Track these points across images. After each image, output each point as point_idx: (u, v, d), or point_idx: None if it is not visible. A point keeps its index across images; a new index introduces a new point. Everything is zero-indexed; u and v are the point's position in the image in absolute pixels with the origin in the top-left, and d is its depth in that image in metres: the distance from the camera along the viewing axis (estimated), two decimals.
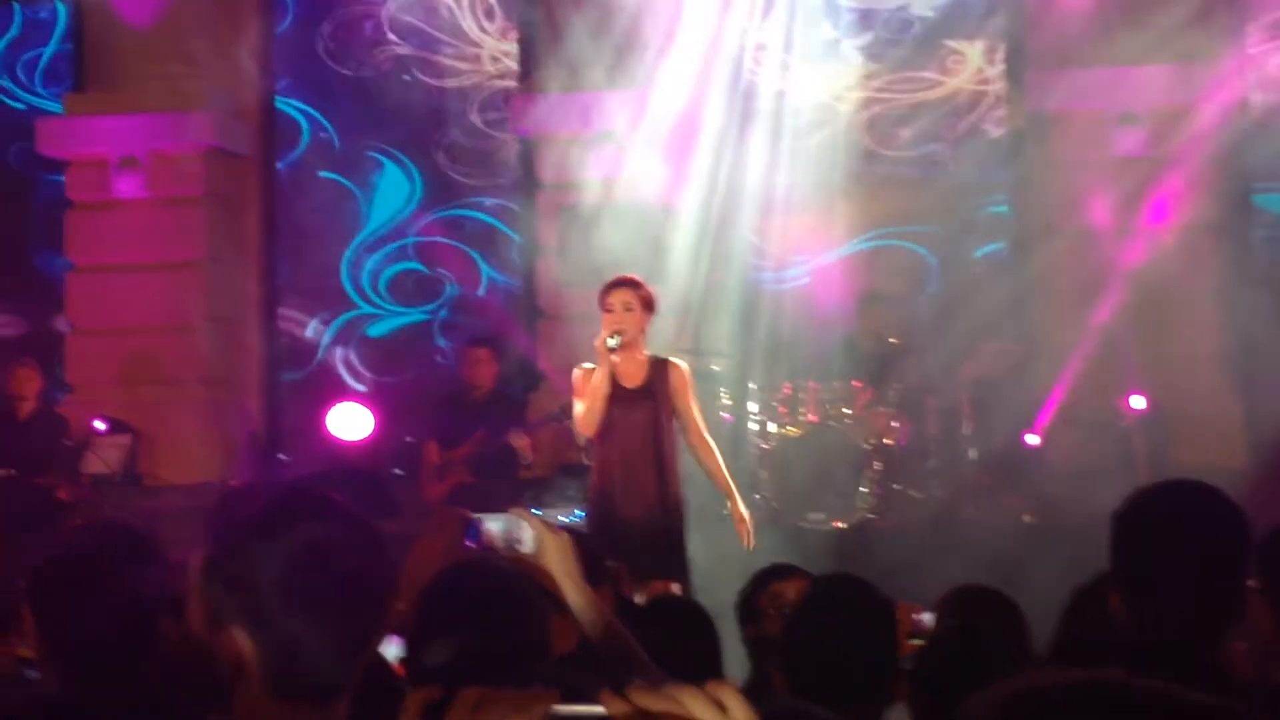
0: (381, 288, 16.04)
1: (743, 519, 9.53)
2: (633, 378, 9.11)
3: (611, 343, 8.87)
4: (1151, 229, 13.78)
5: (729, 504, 9.64)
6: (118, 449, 13.23)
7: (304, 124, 16.39)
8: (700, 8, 14.79)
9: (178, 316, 15.11)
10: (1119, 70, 13.98)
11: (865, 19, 15.47)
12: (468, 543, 3.85)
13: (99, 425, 13.61)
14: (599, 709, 1.75)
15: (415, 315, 15.97)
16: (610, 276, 9.52)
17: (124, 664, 3.45)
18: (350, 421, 13.80)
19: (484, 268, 15.85)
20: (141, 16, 15.24)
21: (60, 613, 3.54)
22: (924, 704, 4.47)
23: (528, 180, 15.38)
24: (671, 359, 9.35)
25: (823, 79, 15.42)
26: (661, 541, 9.10)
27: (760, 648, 5.59)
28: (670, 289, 14.04)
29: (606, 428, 9.07)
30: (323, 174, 16.28)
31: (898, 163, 15.50)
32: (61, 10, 16.57)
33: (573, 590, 3.70)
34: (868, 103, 15.50)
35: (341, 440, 13.72)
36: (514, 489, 12.19)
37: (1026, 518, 12.65)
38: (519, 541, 3.77)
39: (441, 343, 15.71)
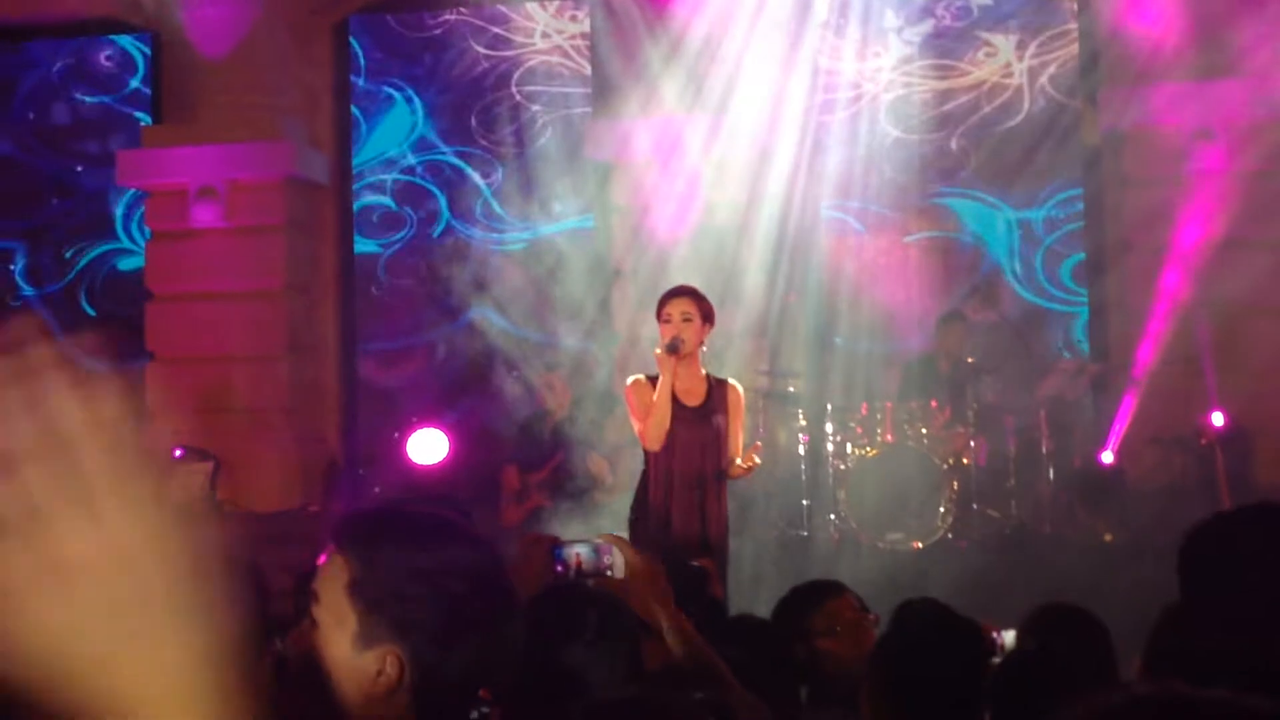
0: None
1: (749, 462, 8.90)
2: (693, 395, 8.78)
3: (673, 347, 8.54)
4: (1229, 245, 13.69)
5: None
6: (199, 476, 13.34)
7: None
8: (772, 32, 14.84)
9: (257, 345, 15.25)
10: (1194, 85, 13.92)
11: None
12: (557, 569, 3.88)
13: (177, 453, 13.72)
14: None
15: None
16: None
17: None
18: (428, 446, 13.89)
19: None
20: (218, 48, 15.39)
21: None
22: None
23: (603, 203, 15.44)
24: (730, 380, 9.04)
25: (892, 83, 15.52)
26: (717, 561, 8.79)
27: (816, 665, 5.55)
28: (746, 311, 14.08)
29: (669, 445, 8.71)
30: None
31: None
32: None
33: (662, 614, 3.72)
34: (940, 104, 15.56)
35: (419, 465, 13.81)
36: (591, 512, 12.22)
37: (1107, 537, 12.59)
38: (608, 567, 3.80)
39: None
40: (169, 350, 15.49)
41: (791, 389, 13.80)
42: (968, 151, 15.62)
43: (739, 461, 8.78)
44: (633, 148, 14.87)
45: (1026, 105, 15.56)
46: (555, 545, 3.92)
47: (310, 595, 2.57)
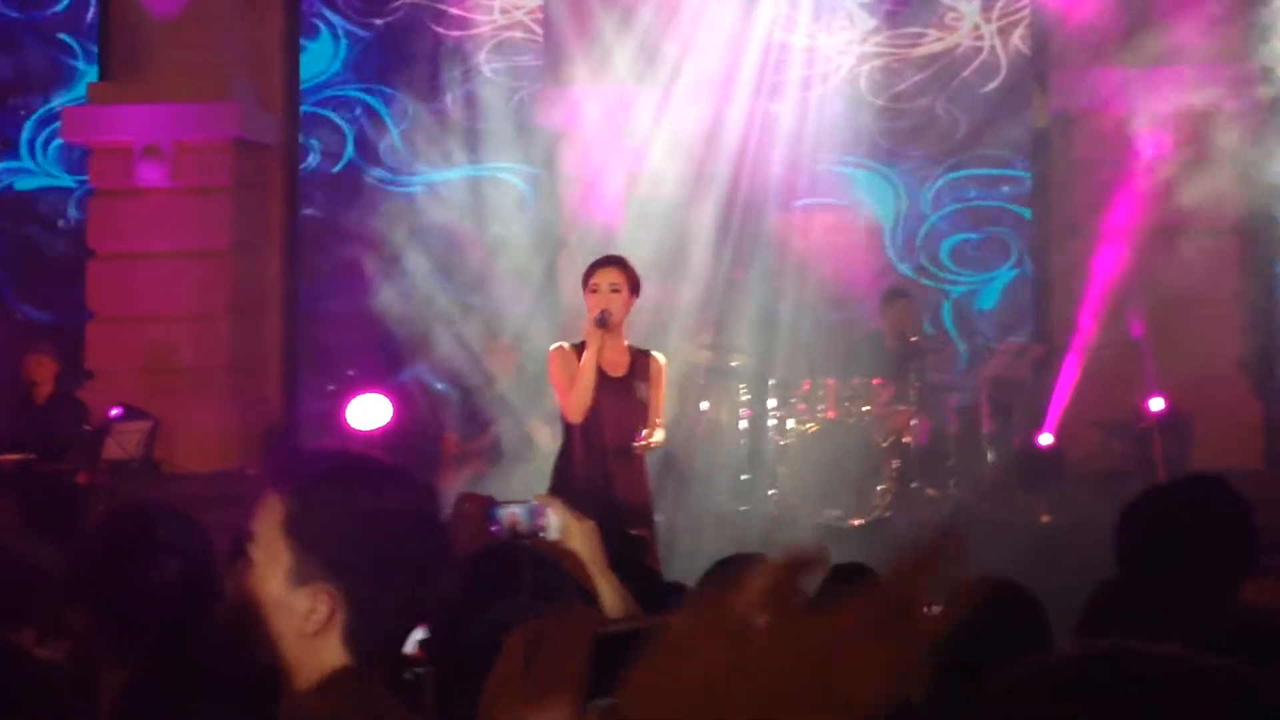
0: None
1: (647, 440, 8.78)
2: (617, 366, 8.69)
3: (602, 320, 8.44)
4: (1170, 231, 13.75)
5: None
6: (137, 435, 13.23)
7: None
8: (726, 4, 14.82)
9: (200, 305, 15.15)
10: (1142, 71, 13.96)
11: None
12: (492, 529, 3.86)
13: (113, 413, 13.61)
14: (643, 622, 1.80)
15: None
16: None
17: (184, 641, 3.46)
18: (369, 411, 13.81)
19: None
20: (167, 6, 15.26)
21: (111, 597, 3.53)
22: (934, 696, 4.45)
23: (550, 172, 15.38)
24: (653, 351, 8.95)
25: (842, 54, 15.54)
26: (642, 531, 8.64)
27: None
28: (691, 284, 14.08)
29: (593, 414, 8.60)
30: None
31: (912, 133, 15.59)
32: None
33: (599, 576, 3.71)
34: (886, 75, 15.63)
35: (360, 430, 13.74)
36: (532, 479, 12.20)
37: (1045, 518, 12.65)
38: (543, 529, 3.79)
39: None
40: (110, 309, 15.37)
41: (734, 364, 13.80)
42: (956, 118, 15.65)
43: (643, 433, 8.69)
44: (582, 116, 14.83)
45: (1004, 67, 15.59)
46: (491, 505, 3.91)
47: (247, 535, 2.59)
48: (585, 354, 8.54)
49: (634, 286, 8.69)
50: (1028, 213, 15.59)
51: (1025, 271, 15.56)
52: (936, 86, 15.62)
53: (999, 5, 15.61)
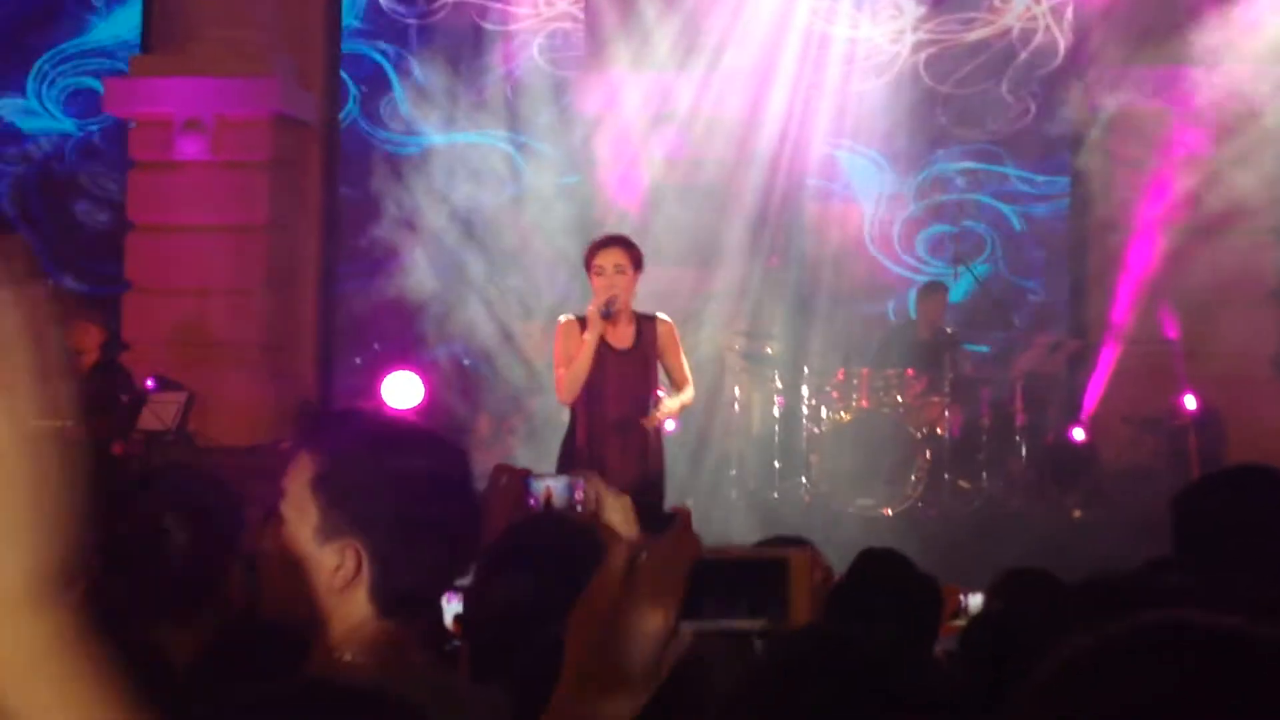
0: None
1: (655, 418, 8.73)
2: (623, 338, 8.57)
3: (607, 312, 8.34)
4: (1207, 230, 13.70)
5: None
6: (173, 406, 13.24)
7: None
8: None
9: (237, 279, 15.19)
10: (1183, 69, 13.91)
11: None
12: (528, 501, 3.87)
13: (149, 384, 13.64)
14: (741, 552, 1.84)
15: None
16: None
17: (201, 605, 3.48)
18: (403, 389, 13.85)
19: None
20: None
21: (143, 557, 3.55)
22: (968, 683, 4.44)
23: (588, 157, 15.38)
24: (659, 315, 8.78)
25: (894, 42, 15.46)
26: (654, 502, 8.49)
27: None
28: (727, 271, 14.08)
29: (599, 389, 8.49)
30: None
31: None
32: None
33: None
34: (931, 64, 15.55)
35: (393, 408, 13.77)
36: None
37: (1076, 513, 12.63)
38: (579, 501, 3.80)
39: None
40: (148, 280, 15.41)
41: (769, 351, 13.80)
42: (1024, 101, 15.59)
43: (653, 410, 8.61)
44: (622, 102, 14.82)
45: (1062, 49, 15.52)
46: (527, 477, 3.92)
47: (278, 491, 2.62)
48: (586, 340, 8.43)
49: (637, 264, 8.55)
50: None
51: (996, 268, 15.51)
52: (994, 71, 15.54)
53: None
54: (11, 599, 1.38)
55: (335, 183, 16.35)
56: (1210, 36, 13.67)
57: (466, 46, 16.35)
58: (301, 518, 2.59)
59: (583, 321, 8.54)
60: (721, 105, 14.64)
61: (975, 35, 15.55)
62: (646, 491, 8.18)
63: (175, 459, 11.99)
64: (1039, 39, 15.47)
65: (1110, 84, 14.36)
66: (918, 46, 15.61)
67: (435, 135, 16.04)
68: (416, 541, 2.57)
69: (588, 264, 8.54)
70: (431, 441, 2.70)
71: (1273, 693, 1.42)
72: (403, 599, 2.60)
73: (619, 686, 1.76)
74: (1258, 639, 1.46)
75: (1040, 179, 15.79)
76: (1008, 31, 15.55)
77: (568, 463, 8.50)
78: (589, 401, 8.56)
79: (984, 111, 15.62)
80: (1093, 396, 13.94)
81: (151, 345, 14.94)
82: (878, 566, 4.53)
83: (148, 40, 16.31)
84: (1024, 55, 15.46)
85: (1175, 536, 3.83)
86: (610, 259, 8.46)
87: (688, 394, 8.81)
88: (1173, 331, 13.52)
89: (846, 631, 2.37)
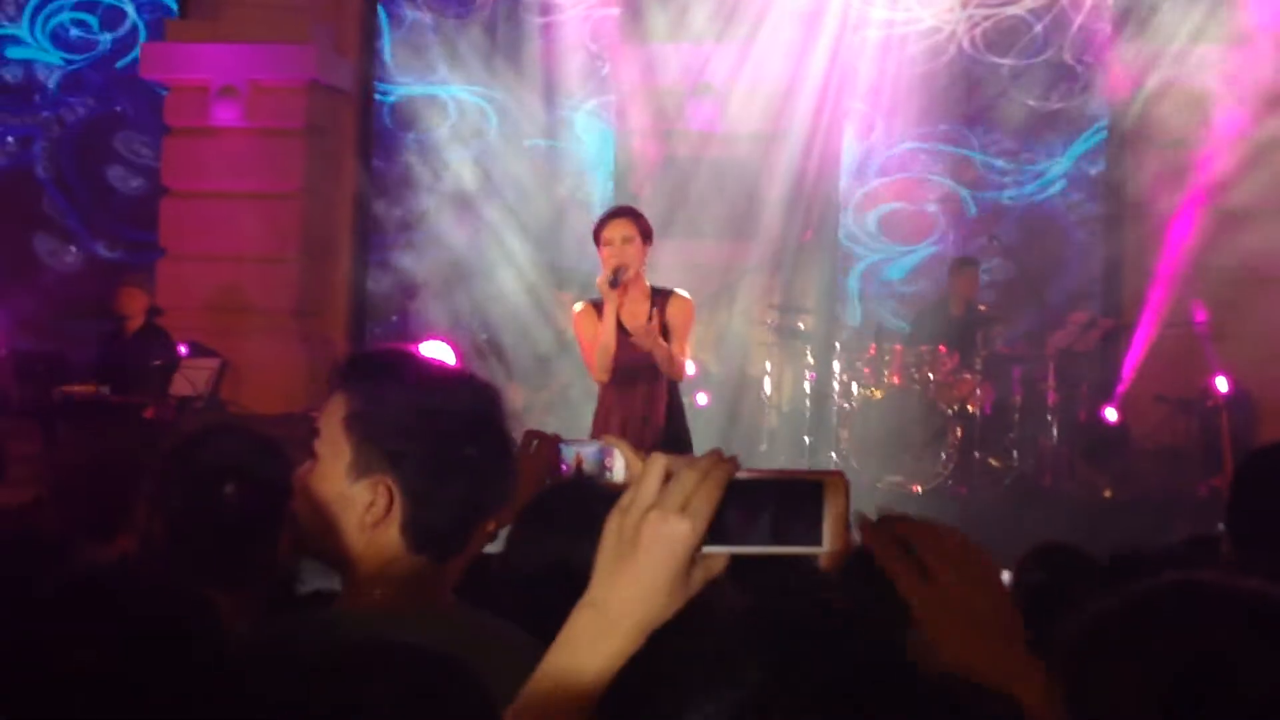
0: None
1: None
2: (638, 315, 8.39)
3: (615, 280, 8.22)
4: (1242, 211, 13.63)
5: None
6: (206, 372, 13.29)
7: None
8: None
9: (270, 247, 15.22)
10: (1220, 49, 13.84)
11: None
12: (560, 467, 3.87)
13: (182, 349, 13.70)
14: (778, 473, 1.88)
15: None
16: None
17: (253, 570, 3.48)
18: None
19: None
20: None
21: (189, 503, 3.55)
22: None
23: (625, 129, 15.37)
24: (676, 290, 8.61)
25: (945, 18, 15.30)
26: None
27: None
28: (761, 245, 14.07)
29: (619, 365, 8.39)
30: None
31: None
32: None
33: None
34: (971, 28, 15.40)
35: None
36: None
37: (1107, 492, 12.60)
38: (609, 469, 3.79)
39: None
40: (182, 246, 15.46)
41: (801, 325, 13.80)
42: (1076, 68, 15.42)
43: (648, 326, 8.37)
44: (658, 73, 14.81)
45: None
46: (558, 443, 3.91)
47: (313, 431, 2.64)
48: (605, 314, 8.36)
49: (646, 235, 8.44)
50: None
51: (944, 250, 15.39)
52: (1058, 38, 15.37)
53: None
54: None
55: (369, 150, 16.36)
56: (1249, 16, 13.61)
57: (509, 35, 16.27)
58: (335, 455, 2.62)
59: (596, 305, 8.48)
60: (758, 78, 14.60)
61: (1021, 9, 15.33)
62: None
63: (226, 420, 12.04)
64: (1082, 17, 15.25)
65: (1146, 63, 14.29)
66: (971, 22, 15.41)
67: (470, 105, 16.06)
68: (448, 479, 2.60)
69: (596, 237, 8.44)
70: (464, 381, 2.72)
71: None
72: (434, 536, 2.63)
73: (645, 597, 1.82)
74: (1273, 598, 1.47)
75: (1070, 160, 15.62)
76: (1054, 3, 15.30)
77: (598, 435, 8.21)
78: (613, 379, 8.48)
79: (1023, 91, 15.45)
80: (1126, 376, 13.90)
81: (186, 311, 14.97)
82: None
83: (184, 5, 16.32)
84: (1073, 30, 15.24)
85: (1229, 513, 3.83)
86: (618, 230, 8.36)
87: (680, 357, 8.59)
88: (1204, 313, 13.48)
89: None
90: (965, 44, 15.42)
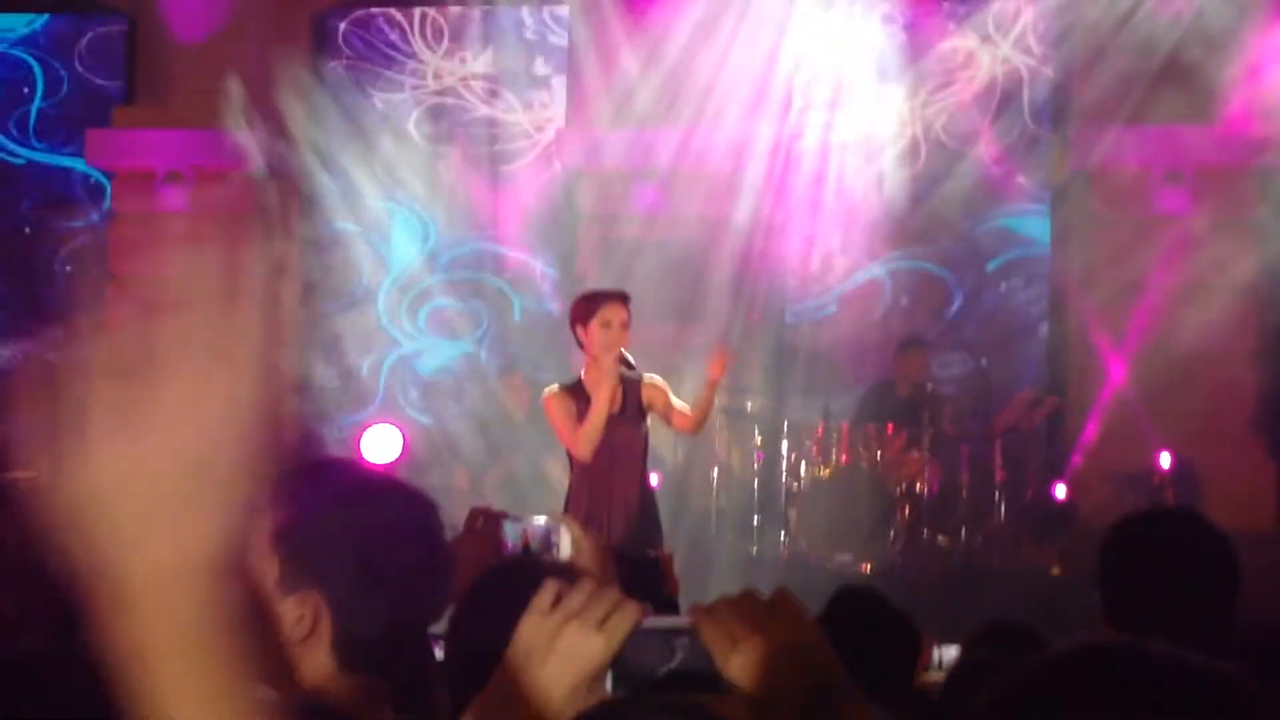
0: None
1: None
2: (617, 400, 8.46)
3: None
4: (1186, 288, 13.74)
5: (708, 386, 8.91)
6: None
7: None
8: (749, 48, 14.83)
9: None
10: (1164, 129, 13.98)
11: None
12: (505, 545, 3.86)
13: None
14: (684, 620, 1.93)
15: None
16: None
17: None
18: (382, 443, 13.86)
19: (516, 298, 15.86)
20: (194, 32, 15.31)
21: None
22: None
23: (568, 212, 15.40)
24: (644, 376, 8.68)
25: (871, 110, 15.32)
26: (650, 559, 8.39)
27: None
28: (707, 326, 14.09)
29: (600, 450, 8.38)
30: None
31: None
32: (37, 69, 16.76)
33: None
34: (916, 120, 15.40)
35: (372, 462, 13.78)
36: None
37: (1055, 570, 12.62)
38: (555, 546, 3.79)
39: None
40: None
41: (749, 405, 13.82)
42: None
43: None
44: (603, 157, 14.87)
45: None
46: (504, 520, 3.91)
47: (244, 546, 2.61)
48: (600, 393, 8.30)
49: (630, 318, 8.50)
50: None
51: None
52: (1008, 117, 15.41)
53: (992, 20, 15.38)
54: (182, 570, 1.36)
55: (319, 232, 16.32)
56: (1190, 95, 13.75)
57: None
58: (265, 570, 2.57)
59: (568, 391, 8.48)
60: (702, 162, 14.66)
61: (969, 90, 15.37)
62: (644, 547, 8.13)
63: None
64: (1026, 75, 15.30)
65: (1091, 142, 14.40)
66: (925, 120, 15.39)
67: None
68: (377, 593, 2.55)
69: (590, 313, 8.37)
70: (395, 491, 2.69)
71: (1184, 708, 1.47)
72: (366, 652, 2.58)
73: (547, 703, 1.87)
74: (1189, 664, 1.50)
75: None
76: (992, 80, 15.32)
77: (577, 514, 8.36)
78: (590, 463, 8.46)
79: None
80: (1075, 454, 13.97)
81: None
82: (854, 604, 4.56)
83: (130, 92, 16.31)
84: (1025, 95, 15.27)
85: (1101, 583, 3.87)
86: (617, 315, 8.36)
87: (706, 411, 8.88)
88: (1146, 390, 13.58)
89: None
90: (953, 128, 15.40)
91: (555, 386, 8.65)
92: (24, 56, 16.95)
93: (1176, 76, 13.85)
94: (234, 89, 15.23)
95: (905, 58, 15.29)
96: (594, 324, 8.34)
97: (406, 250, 16.03)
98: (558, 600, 2.07)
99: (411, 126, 16.05)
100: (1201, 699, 1.48)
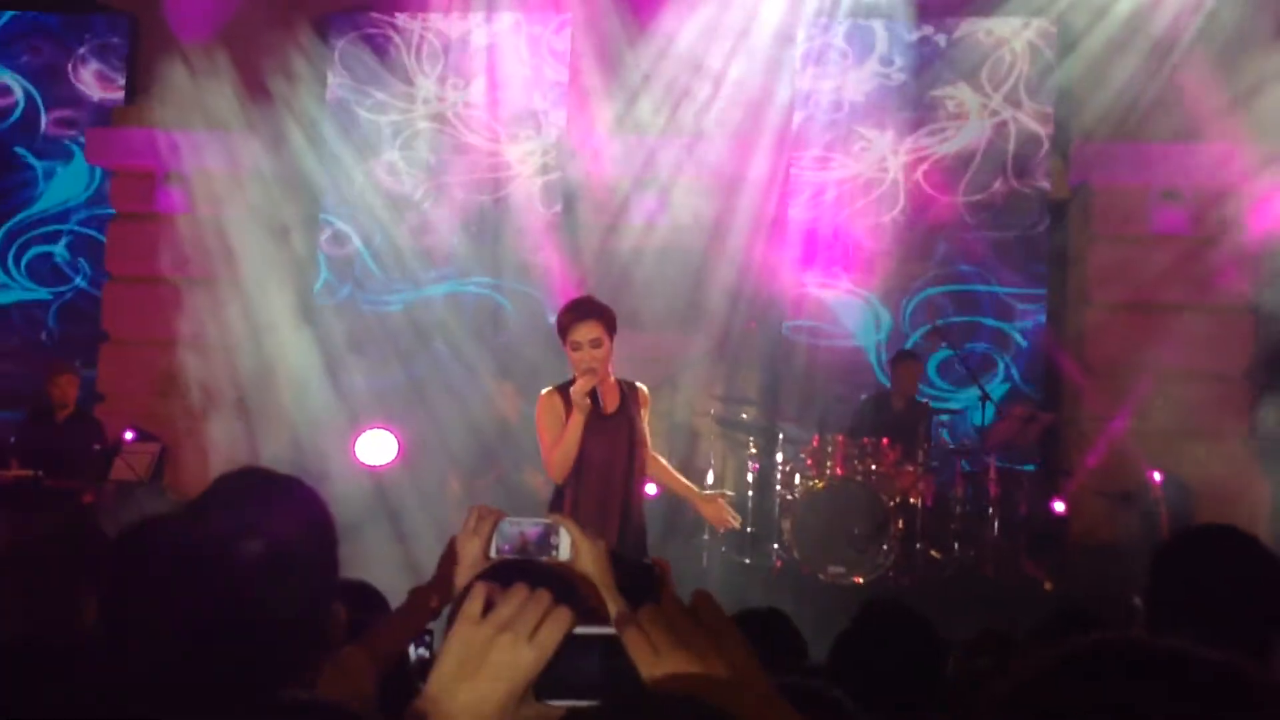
0: None
1: (717, 500, 8.83)
2: (608, 403, 8.32)
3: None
4: (1188, 306, 13.77)
5: (696, 505, 8.91)
6: (146, 457, 13.23)
7: None
8: (751, 56, 14.85)
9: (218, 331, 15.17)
10: (1164, 146, 14.00)
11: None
12: (502, 546, 3.83)
13: (127, 435, 13.65)
14: (609, 630, 1.96)
15: None
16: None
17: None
18: (377, 447, 13.84)
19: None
20: (194, 32, 15.32)
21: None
22: None
23: (572, 220, 15.40)
24: (637, 383, 8.54)
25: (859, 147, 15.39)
26: (636, 559, 8.28)
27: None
28: (704, 335, 14.09)
29: (585, 454, 8.21)
30: None
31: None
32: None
33: (608, 597, 3.70)
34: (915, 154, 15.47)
35: (367, 466, 13.77)
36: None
37: (1048, 585, 12.62)
38: (554, 547, 3.77)
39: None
40: (124, 332, 15.38)
41: (744, 416, 13.83)
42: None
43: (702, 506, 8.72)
44: (603, 164, 14.87)
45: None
46: (501, 521, 3.88)
47: None
48: (572, 421, 8.16)
49: (612, 330, 8.20)
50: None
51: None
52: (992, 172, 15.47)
53: (984, 80, 15.46)
54: None
55: (316, 236, 16.34)
56: (1189, 115, 13.78)
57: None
58: None
59: (562, 392, 8.29)
60: (701, 170, 14.69)
61: (952, 146, 15.45)
62: (628, 550, 8.08)
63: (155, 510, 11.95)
64: (1015, 131, 15.39)
65: (1090, 160, 14.43)
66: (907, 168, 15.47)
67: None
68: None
69: (562, 334, 8.19)
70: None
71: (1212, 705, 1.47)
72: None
73: (478, 713, 1.92)
74: (1202, 659, 1.50)
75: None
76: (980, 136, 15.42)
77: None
78: (579, 466, 8.32)
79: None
80: (1068, 469, 13.99)
81: (127, 396, 14.91)
82: (882, 615, 4.60)
83: (131, 92, 16.32)
84: (1012, 148, 15.37)
85: (1150, 591, 3.85)
86: (586, 334, 8.09)
87: (679, 479, 8.86)
88: (1137, 408, 13.61)
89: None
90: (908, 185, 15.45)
91: (552, 388, 8.54)
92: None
93: (1175, 96, 13.88)
94: (234, 89, 15.25)
95: (900, 100, 15.40)
96: (567, 346, 8.18)
97: (398, 255, 16.04)
98: (488, 607, 2.07)
99: (402, 147, 16.10)
100: (1218, 691, 1.48)
